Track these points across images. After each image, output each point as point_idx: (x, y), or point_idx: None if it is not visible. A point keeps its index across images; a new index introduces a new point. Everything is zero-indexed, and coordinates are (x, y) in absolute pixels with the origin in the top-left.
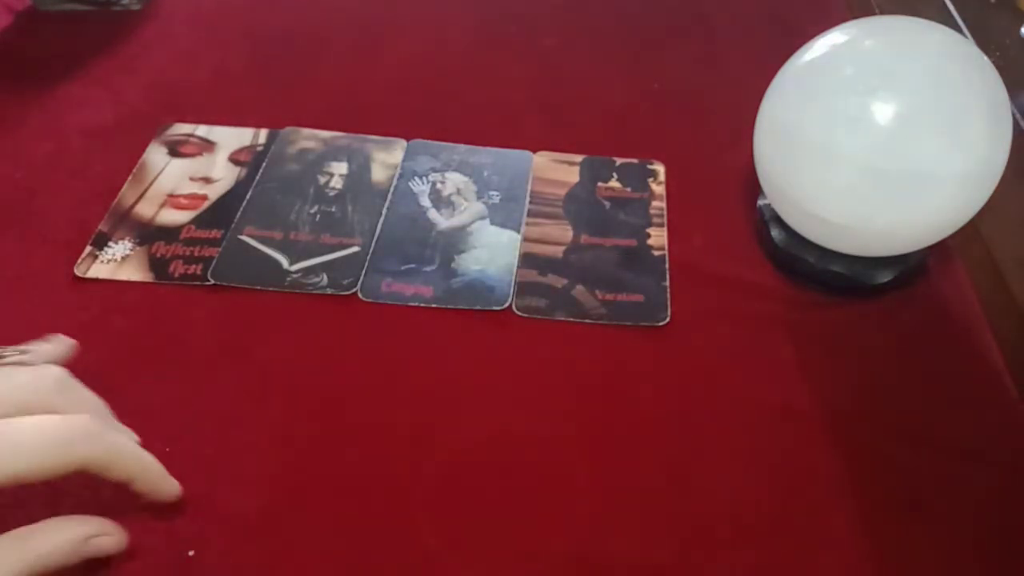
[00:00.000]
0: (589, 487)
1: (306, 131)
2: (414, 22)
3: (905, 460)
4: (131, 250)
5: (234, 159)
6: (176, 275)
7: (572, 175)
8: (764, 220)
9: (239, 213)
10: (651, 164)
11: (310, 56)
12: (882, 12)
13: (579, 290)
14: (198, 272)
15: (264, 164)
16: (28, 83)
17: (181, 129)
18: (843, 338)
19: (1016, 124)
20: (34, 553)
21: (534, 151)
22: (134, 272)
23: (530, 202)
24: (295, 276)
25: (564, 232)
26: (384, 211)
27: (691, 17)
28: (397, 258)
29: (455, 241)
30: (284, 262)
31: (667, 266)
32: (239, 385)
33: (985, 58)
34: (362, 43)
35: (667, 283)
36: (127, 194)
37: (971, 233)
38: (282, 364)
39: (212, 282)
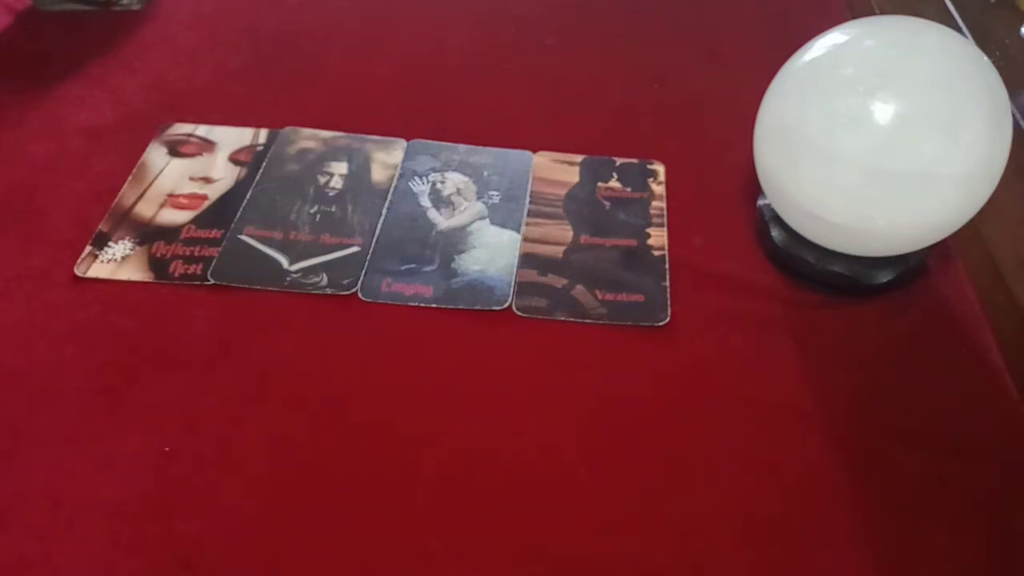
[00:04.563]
0: (589, 487)
1: (306, 131)
2: (414, 22)
3: (905, 460)
4: (131, 250)
5: (234, 159)
6: (176, 275)
7: (572, 175)
8: (764, 220)
9: (239, 213)
10: (651, 164)
11: (310, 56)
12: (882, 12)
13: (579, 290)
14: (198, 272)
15: (264, 164)
16: (28, 83)
17: (181, 129)
18: (843, 338)
19: (1016, 124)
20: None
21: (534, 151)
22: (134, 272)
23: (530, 202)
24: (295, 276)
25: (564, 232)
26: (384, 211)
27: (691, 17)
28: (397, 258)
29: (455, 241)
30: (284, 262)
31: (667, 266)
32: (239, 385)
33: (985, 58)
34: (362, 43)
35: (667, 283)
36: (127, 194)
37: (971, 233)
38: (282, 364)
39: (212, 282)
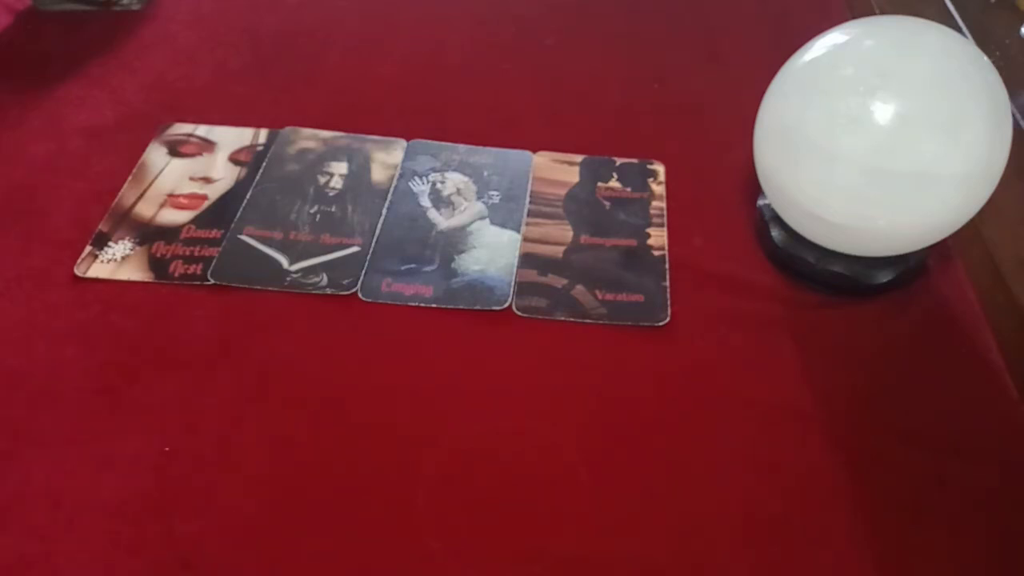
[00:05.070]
0: (589, 487)
1: (306, 131)
2: (414, 22)
3: (905, 460)
4: (131, 250)
5: (234, 159)
6: (176, 275)
7: (572, 175)
8: (764, 220)
9: (239, 213)
10: (651, 164)
11: (310, 56)
12: (882, 12)
13: (579, 290)
14: (198, 272)
15: (264, 164)
16: (28, 83)
17: (181, 129)
18: (843, 338)
19: (1016, 124)
20: None
21: (534, 151)
22: (134, 272)
23: (530, 202)
24: (295, 276)
25: (564, 232)
26: (384, 211)
27: (691, 17)
28: (397, 258)
29: (455, 241)
30: (284, 262)
31: (667, 266)
32: (239, 385)
33: (985, 58)
34: (362, 43)
35: (667, 283)
36: (127, 194)
37: (971, 233)
38: (282, 364)
39: (212, 282)
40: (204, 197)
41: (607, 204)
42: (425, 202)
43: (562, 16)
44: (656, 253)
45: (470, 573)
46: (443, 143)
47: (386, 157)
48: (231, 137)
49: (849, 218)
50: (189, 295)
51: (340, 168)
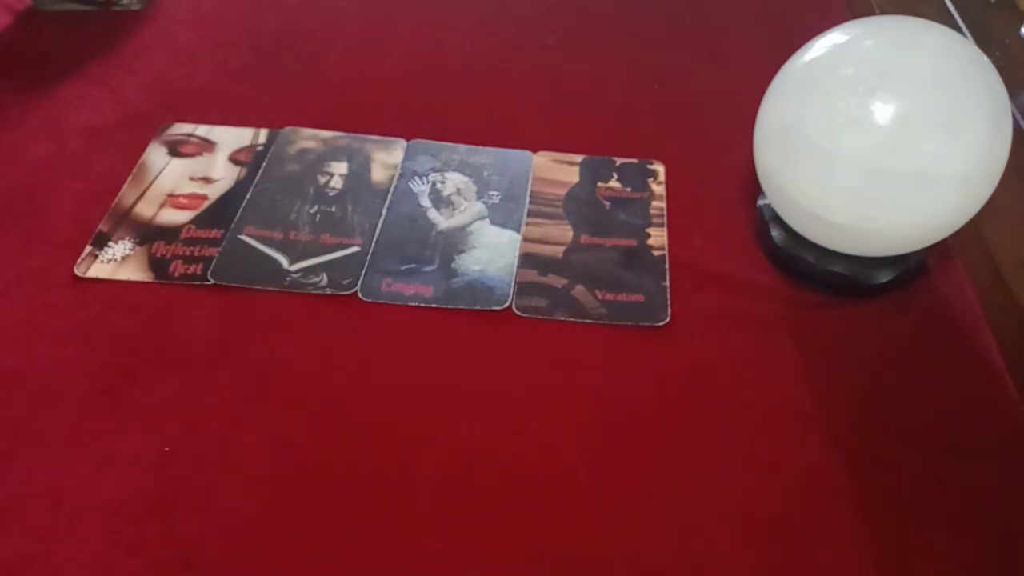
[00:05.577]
0: (589, 487)
1: (306, 131)
2: (414, 22)
3: (905, 460)
4: (131, 250)
5: (234, 159)
6: (176, 275)
7: (572, 175)
8: (764, 220)
9: (239, 213)
10: (651, 164)
11: (310, 56)
12: (882, 12)
13: (579, 290)
14: (198, 272)
15: (264, 164)
16: (28, 83)
17: (181, 129)
18: (843, 338)
19: (1016, 124)
20: None
21: (534, 151)
22: (134, 272)
23: (530, 202)
24: (295, 276)
25: (564, 232)
26: (384, 211)
27: (691, 17)
28: (397, 258)
29: (455, 241)
30: (284, 262)
31: (667, 266)
32: (239, 385)
33: (985, 58)
34: (362, 43)
35: (667, 283)
36: (127, 194)
37: (971, 233)
38: (282, 364)
39: (212, 282)
40: (204, 197)
41: (607, 204)
42: (425, 202)
43: (562, 16)
44: (656, 253)
45: (470, 573)
46: (443, 143)
47: (386, 157)
48: (231, 137)
49: (849, 218)
50: (189, 295)
51: (340, 168)
